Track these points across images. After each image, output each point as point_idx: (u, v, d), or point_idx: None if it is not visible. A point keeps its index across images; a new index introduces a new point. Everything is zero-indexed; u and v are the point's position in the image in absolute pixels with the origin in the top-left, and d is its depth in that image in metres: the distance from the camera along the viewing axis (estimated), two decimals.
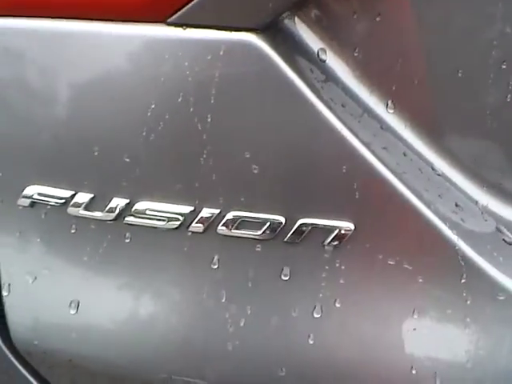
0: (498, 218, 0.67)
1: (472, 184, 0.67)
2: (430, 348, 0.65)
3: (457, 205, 0.66)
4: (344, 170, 0.62)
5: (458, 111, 0.65)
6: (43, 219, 0.71)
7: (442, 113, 0.66)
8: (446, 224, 0.63)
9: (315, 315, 0.66)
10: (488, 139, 0.65)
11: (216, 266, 0.67)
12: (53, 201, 0.69)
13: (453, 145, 0.66)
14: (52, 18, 0.64)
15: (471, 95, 0.64)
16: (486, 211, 0.67)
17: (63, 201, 0.69)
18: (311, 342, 0.66)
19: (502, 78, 0.62)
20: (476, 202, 0.67)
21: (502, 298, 0.62)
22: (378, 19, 0.62)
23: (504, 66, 0.61)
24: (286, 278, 0.66)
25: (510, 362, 0.63)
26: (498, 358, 0.64)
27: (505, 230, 0.66)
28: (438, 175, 0.66)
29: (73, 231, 0.70)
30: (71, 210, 0.69)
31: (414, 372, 0.64)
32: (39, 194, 0.70)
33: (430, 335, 0.65)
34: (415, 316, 0.64)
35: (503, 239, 0.66)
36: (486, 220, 0.66)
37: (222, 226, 0.65)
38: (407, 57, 0.64)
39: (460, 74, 0.63)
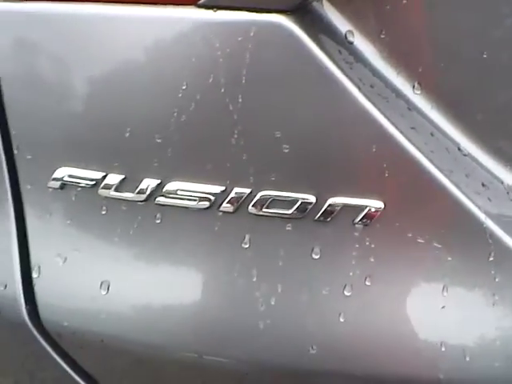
0: None
1: (497, 164, 0.68)
2: (459, 325, 0.65)
3: (483, 184, 0.67)
4: (373, 150, 0.63)
5: (484, 92, 0.66)
6: (73, 201, 0.71)
7: (467, 94, 0.67)
8: (473, 203, 0.64)
9: (346, 293, 0.66)
10: None
11: (247, 246, 0.67)
12: (83, 182, 0.69)
13: (478, 125, 0.67)
14: (85, 1, 0.65)
15: (496, 76, 0.65)
16: (511, 190, 0.67)
17: (94, 182, 0.69)
18: (342, 320, 0.66)
19: None
20: (502, 182, 0.68)
21: None
22: (404, 1, 0.63)
23: None
24: (317, 257, 0.66)
25: None
26: None
27: None
28: (465, 155, 0.67)
29: (103, 212, 0.70)
30: (102, 192, 0.69)
31: (443, 349, 0.65)
32: (70, 176, 0.70)
33: (459, 313, 0.65)
34: (444, 294, 0.65)
35: None
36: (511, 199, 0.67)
37: (253, 205, 0.66)
38: (433, 38, 0.65)
39: (485, 55, 0.64)
